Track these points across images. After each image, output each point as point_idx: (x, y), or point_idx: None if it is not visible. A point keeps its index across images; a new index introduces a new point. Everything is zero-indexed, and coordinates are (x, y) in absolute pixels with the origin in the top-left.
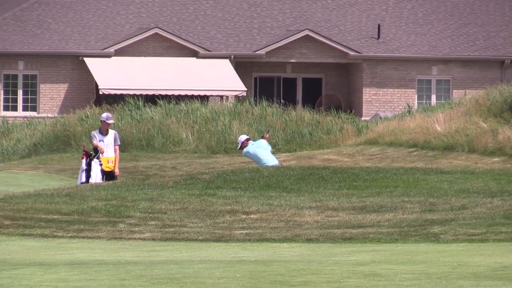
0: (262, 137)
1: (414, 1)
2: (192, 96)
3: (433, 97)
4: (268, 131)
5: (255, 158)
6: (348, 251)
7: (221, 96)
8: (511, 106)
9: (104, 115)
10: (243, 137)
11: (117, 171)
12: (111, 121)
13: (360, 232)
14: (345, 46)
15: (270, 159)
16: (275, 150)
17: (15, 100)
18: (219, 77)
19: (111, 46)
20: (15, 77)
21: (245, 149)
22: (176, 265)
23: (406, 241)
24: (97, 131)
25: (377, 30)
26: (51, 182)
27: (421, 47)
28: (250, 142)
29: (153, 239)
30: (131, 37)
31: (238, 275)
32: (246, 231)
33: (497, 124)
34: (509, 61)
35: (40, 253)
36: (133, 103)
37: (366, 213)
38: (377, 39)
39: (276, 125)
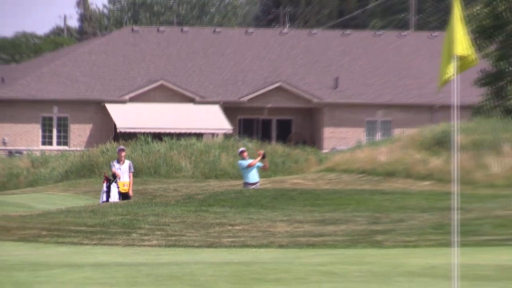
0: (258, 154)
1: (364, 59)
2: (190, 134)
3: (378, 134)
4: (243, 150)
5: (244, 171)
6: (311, 255)
7: (213, 134)
8: (439, 141)
9: (119, 147)
10: (241, 149)
11: (131, 192)
12: (123, 152)
13: (321, 240)
14: (310, 94)
15: (252, 177)
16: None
17: (50, 137)
18: (211, 119)
19: (126, 94)
20: (50, 118)
21: (241, 161)
22: (177, 266)
23: (356, 247)
24: (115, 161)
25: (335, 81)
26: (79, 201)
27: (369, 95)
28: (247, 157)
29: (159, 246)
30: (142, 88)
31: (225, 274)
32: (232, 239)
33: (427, 155)
34: (437, 106)
35: (70, 257)
36: (143, 139)
37: (325, 225)
38: (335, 88)
39: (256, 156)
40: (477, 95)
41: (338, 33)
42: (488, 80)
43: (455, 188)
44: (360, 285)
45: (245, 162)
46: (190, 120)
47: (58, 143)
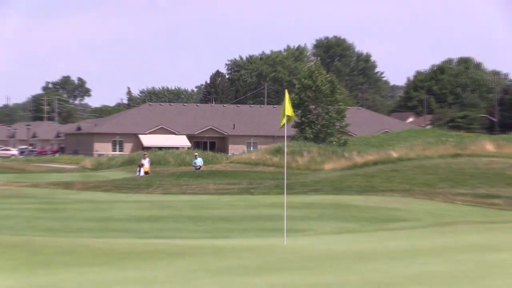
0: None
1: (246, 116)
2: (173, 147)
3: (251, 149)
4: (196, 155)
5: (194, 161)
6: (213, 199)
7: (183, 147)
8: (278, 150)
9: (144, 154)
10: (195, 154)
11: (149, 172)
12: (146, 154)
13: (221, 192)
14: (222, 131)
15: (197, 164)
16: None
17: (115, 149)
18: (182, 140)
19: (146, 131)
20: (115, 140)
21: (194, 160)
22: (168, 201)
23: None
24: (142, 158)
25: (233, 126)
26: (127, 175)
27: (247, 131)
28: (198, 157)
29: (160, 194)
30: (152, 128)
31: (189, 204)
32: (193, 191)
33: (272, 156)
34: (276, 136)
35: (129, 196)
36: (154, 150)
37: (228, 185)
38: (233, 129)
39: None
40: (294, 131)
41: (234, 106)
42: (297, 125)
43: (285, 169)
44: None
45: (196, 160)
46: (173, 141)
47: (120, 150)
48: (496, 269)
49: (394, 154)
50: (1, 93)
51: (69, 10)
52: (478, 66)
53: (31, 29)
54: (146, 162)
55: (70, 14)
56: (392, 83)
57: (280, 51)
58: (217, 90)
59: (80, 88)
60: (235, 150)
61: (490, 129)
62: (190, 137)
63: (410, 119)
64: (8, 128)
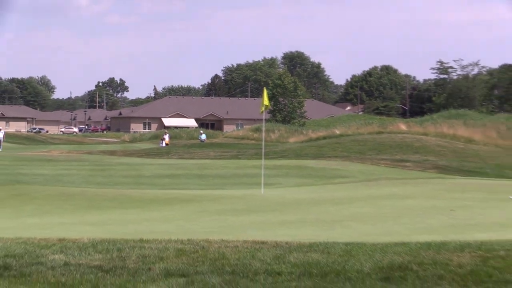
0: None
1: (237, 103)
2: (184, 126)
3: (239, 128)
4: (201, 132)
5: (200, 137)
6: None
7: (192, 126)
8: (257, 129)
9: (165, 131)
10: (201, 131)
11: (169, 143)
12: (166, 131)
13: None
14: (219, 115)
15: (201, 139)
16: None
17: (145, 128)
18: (191, 122)
19: (167, 115)
20: (145, 123)
21: (201, 135)
22: (176, 164)
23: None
24: (164, 134)
25: (226, 112)
26: (153, 146)
27: (235, 115)
28: (203, 134)
29: (176, 158)
30: (171, 113)
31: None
32: (198, 157)
33: (252, 133)
34: (257, 119)
35: (144, 160)
36: (172, 129)
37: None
38: (227, 114)
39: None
40: (269, 116)
41: (228, 99)
42: (271, 112)
43: (263, 142)
44: None
45: (201, 136)
46: (185, 123)
47: (148, 129)
48: (406, 210)
49: (337, 132)
50: (67, 89)
51: (112, 31)
52: (395, 71)
53: (91, 44)
54: (166, 137)
55: (114, 34)
56: (336, 83)
57: (259, 61)
58: (215, 88)
59: (121, 86)
60: (228, 129)
61: (403, 114)
62: (197, 120)
63: (348, 108)
64: (71, 113)
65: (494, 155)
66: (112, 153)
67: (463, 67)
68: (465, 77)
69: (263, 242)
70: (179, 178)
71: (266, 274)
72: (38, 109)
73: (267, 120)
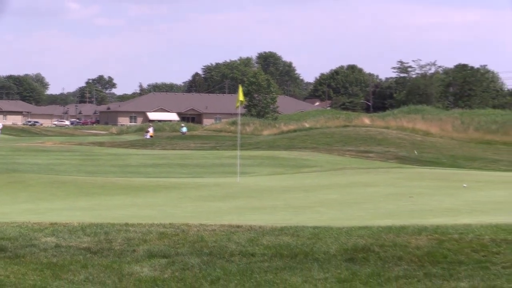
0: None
1: (220, 100)
2: (167, 120)
3: (221, 120)
4: (182, 125)
5: (181, 129)
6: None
7: (173, 120)
8: (233, 123)
9: (149, 124)
10: (182, 124)
11: (153, 136)
12: (150, 124)
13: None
14: (198, 110)
15: (183, 131)
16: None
17: (132, 121)
18: (173, 116)
19: (151, 109)
20: (131, 116)
21: (180, 128)
22: (164, 154)
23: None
24: (148, 127)
25: (206, 107)
26: (139, 137)
27: (217, 109)
28: (184, 127)
29: (160, 149)
30: (155, 108)
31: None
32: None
33: (230, 126)
34: (233, 113)
35: (140, 151)
36: (155, 122)
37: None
38: (206, 108)
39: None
40: (244, 110)
41: (207, 94)
42: (246, 107)
43: (238, 134)
44: None
45: (182, 128)
46: (168, 116)
47: (134, 122)
48: (370, 197)
49: (307, 125)
50: (60, 85)
51: (101, 33)
52: (360, 70)
53: (82, 44)
54: (151, 130)
55: (103, 35)
56: (306, 80)
57: (236, 60)
58: (196, 84)
59: (109, 83)
60: (207, 122)
61: (367, 110)
62: (179, 114)
63: (317, 103)
64: (64, 107)
65: (449, 146)
66: (101, 144)
67: (421, 66)
68: (423, 75)
69: (238, 226)
70: (162, 167)
71: (241, 256)
72: (33, 103)
73: (242, 115)
